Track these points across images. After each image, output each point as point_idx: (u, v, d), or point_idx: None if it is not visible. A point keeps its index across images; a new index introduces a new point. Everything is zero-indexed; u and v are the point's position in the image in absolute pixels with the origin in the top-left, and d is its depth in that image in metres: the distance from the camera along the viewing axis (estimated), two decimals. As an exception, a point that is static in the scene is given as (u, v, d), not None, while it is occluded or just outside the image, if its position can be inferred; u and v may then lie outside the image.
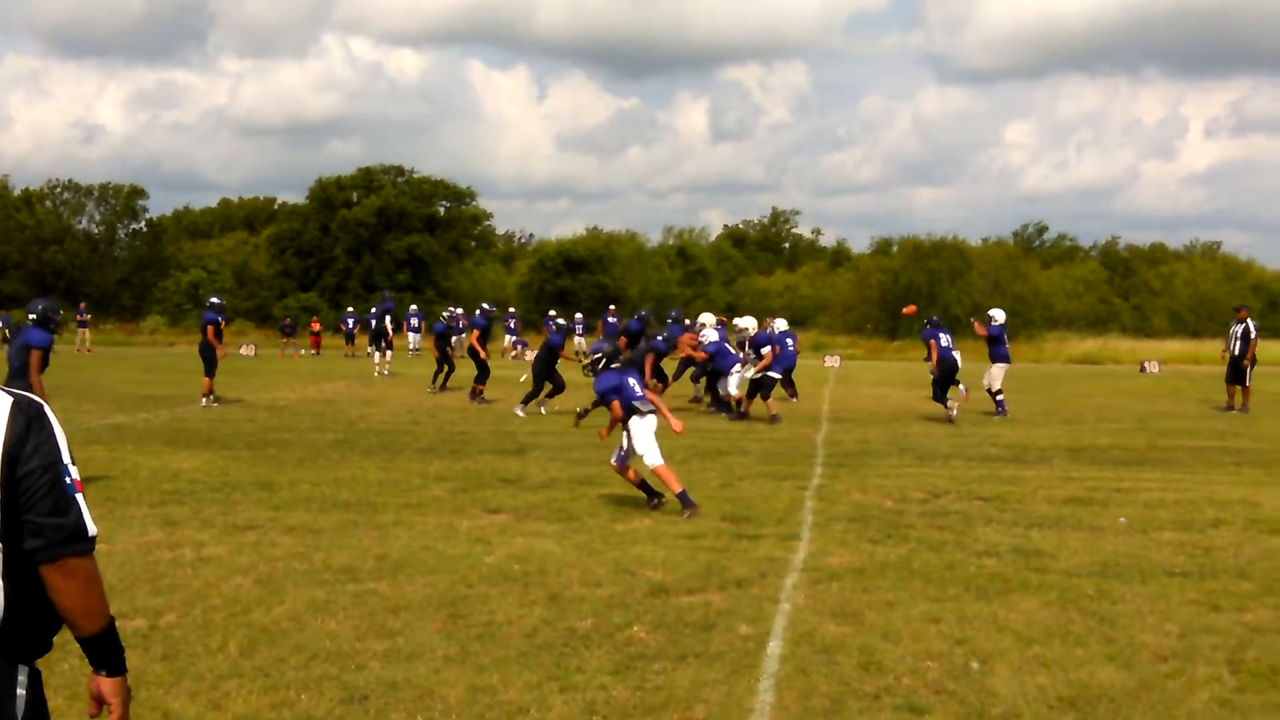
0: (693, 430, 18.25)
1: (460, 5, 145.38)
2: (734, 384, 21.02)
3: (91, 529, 3.05)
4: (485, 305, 28.17)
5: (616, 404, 11.44)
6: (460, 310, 34.33)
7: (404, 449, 15.54)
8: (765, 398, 20.47)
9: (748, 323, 21.63)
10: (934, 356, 20.84)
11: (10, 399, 3.04)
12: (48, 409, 3.08)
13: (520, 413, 20.49)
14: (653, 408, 11.46)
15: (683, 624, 7.10)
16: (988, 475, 13.66)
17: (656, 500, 11.34)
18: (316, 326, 52.64)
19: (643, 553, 9.05)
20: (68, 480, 3.01)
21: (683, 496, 11.00)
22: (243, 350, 48.18)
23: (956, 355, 21.05)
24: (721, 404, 21.62)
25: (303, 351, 49.52)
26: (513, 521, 10.45)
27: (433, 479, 12.82)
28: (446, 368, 26.18)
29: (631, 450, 11.40)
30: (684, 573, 8.39)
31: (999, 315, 22.93)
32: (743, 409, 20.63)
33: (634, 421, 11.38)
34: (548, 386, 21.34)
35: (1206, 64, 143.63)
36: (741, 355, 21.83)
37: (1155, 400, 26.58)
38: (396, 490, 12.06)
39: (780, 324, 23.40)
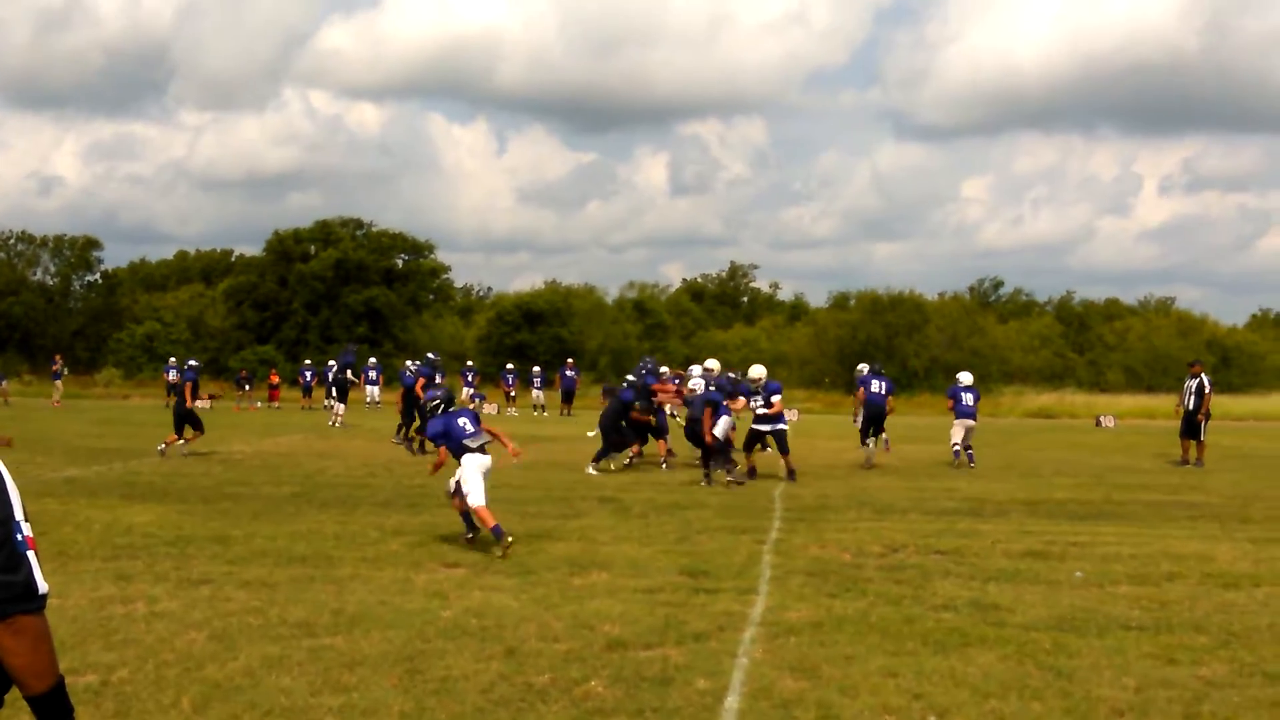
0: (650, 483, 18.28)
1: (421, 59, 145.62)
2: (722, 428, 20.47)
3: (42, 587, 3.03)
4: (430, 355, 28.30)
5: (444, 450, 12.75)
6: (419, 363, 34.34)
7: (361, 502, 15.47)
8: (763, 449, 20.56)
9: (759, 372, 21.57)
10: (859, 400, 22.26)
11: None
12: (1, 465, 3.04)
13: (592, 471, 20.36)
14: (483, 442, 12.56)
15: (640, 679, 7.07)
16: (945, 529, 13.70)
17: (472, 535, 12.29)
18: (275, 379, 52.51)
19: (600, 607, 9.02)
20: (19, 537, 3.00)
21: (496, 529, 11.64)
22: (199, 403, 47.91)
23: (884, 403, 22.21)
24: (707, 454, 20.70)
25: (259, 404, 49.32)
26: (470, 575, 10.40)
27: (390, 533, 12.76)
28: (414, 420, 25.99)
29: (459, 487, 12.38)
30: (642, 627, 8.36)
31: (963, 377, 23.71)
32: (749, 465, 20.38)
33: (465, 459, 12.43)
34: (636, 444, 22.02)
35: (1160, 122, 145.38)
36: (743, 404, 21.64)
37: (1111, 454, 26.75)
38: (353, 544, 11.99)
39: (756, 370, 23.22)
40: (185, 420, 22.59)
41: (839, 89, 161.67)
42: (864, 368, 24.36)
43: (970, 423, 22.96)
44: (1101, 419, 43.14)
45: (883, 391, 22.40)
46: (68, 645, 7.59)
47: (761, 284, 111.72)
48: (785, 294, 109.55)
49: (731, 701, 6.64)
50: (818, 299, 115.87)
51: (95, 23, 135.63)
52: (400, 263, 78.72)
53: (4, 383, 46.47)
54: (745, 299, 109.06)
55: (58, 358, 51.56)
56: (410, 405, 25.77)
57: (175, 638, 7.93)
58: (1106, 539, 13.17)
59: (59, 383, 49.02)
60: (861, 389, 22.54)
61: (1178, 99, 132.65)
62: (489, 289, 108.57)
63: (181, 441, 22.36)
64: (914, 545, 12.40)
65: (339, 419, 34.29)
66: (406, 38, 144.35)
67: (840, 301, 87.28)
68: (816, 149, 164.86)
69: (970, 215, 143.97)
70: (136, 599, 9.12)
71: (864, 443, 22.04)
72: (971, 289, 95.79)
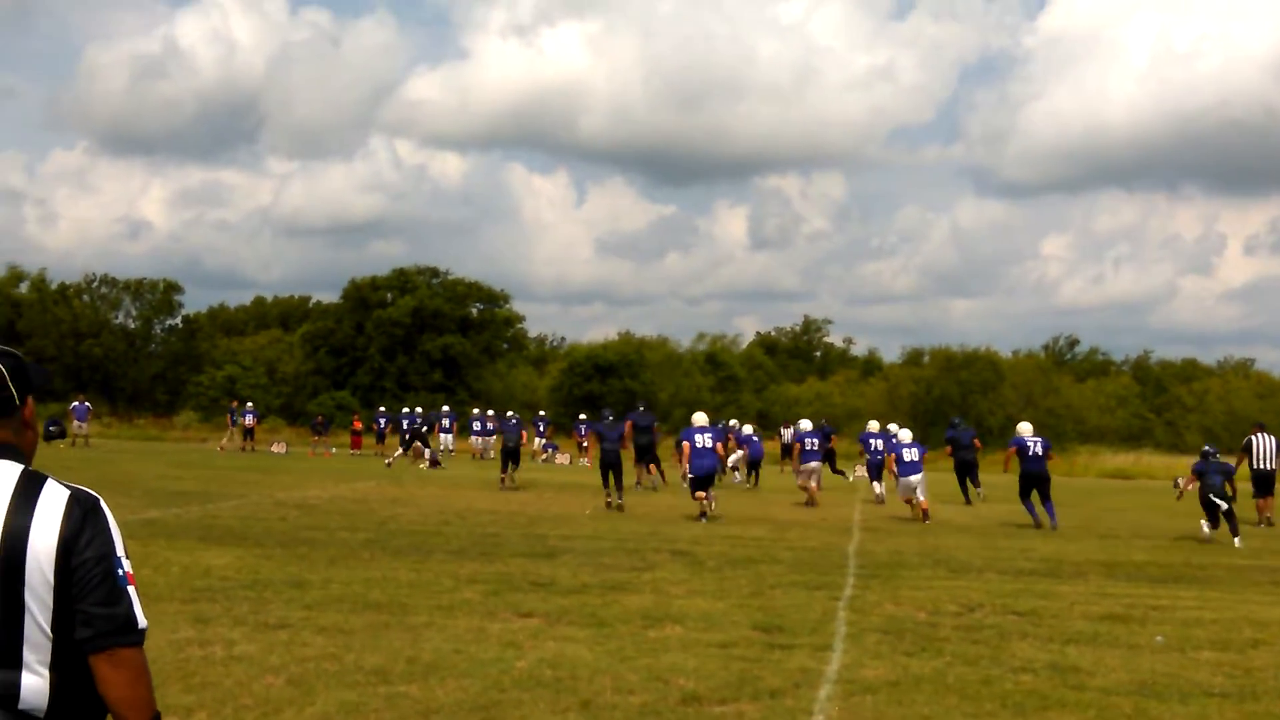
0: (723, 537, 18.21)
1: (504, 109, 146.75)
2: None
3: (142, 621, 3.11)
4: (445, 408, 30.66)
5: None
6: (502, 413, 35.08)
7: (435, 550, 15.52)
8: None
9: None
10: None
11: (68, 492, 3.10)
12: (103, 503, 3.13)
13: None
14: None
15: (716, 734, 7.04)
16: (1022, 589, 13.55)
17: None
18: (358, 425, 52.78)
19: (675, 660, 8.99)
20: (120, 572, 3.08)
21: None
22: (274, 448, 48.38)
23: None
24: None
25: (333, 450, 49.66)
26: (544, 626, 10.40)
27: (464, 581, 12.79)
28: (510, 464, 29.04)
29: None
30: (716, 682, 8.33)
31: (903, 434, 25.77)
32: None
33: None
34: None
35: (1246, 181, 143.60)
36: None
37: (1190, 517, 26.33)
38: (428, 591, 12.03)
39: (804, 424, 28.34)
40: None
41: (921, 145, 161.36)
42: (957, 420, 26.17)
43: (916, 477, 23.40)
44: (1180, 481, 42.52)
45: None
46: (148, 686, 7.66)
47: (835, 339, 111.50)
48: (859, 349, 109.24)
49: (808, 760, 6.59)
50: (891, 354, 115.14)
51: (192, 72, 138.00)
52: (476, 311, 79.22)
53: (85, 425, 47.05)
54: (818, 353, 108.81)
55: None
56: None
57: (253, 681, 7.98)
58: (1187, 603, 12.98)
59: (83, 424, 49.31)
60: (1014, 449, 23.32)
61: (1265, 158, 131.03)
62: (563, 339, 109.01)
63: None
64: (991, 605, 12.28)
65: (394, 459, 35.54)
66: (491, 88, 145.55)
67: (914, 358, 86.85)
68: (896, 204, 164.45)
69: (1050, 273, 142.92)
70: (215, 642, 9.20)
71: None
72: (1046, 347, 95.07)
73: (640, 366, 74.54)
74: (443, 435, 45.70)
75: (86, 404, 47.92)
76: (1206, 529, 20.54)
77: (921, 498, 23.11)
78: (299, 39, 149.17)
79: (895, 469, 23.83)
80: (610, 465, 24.22)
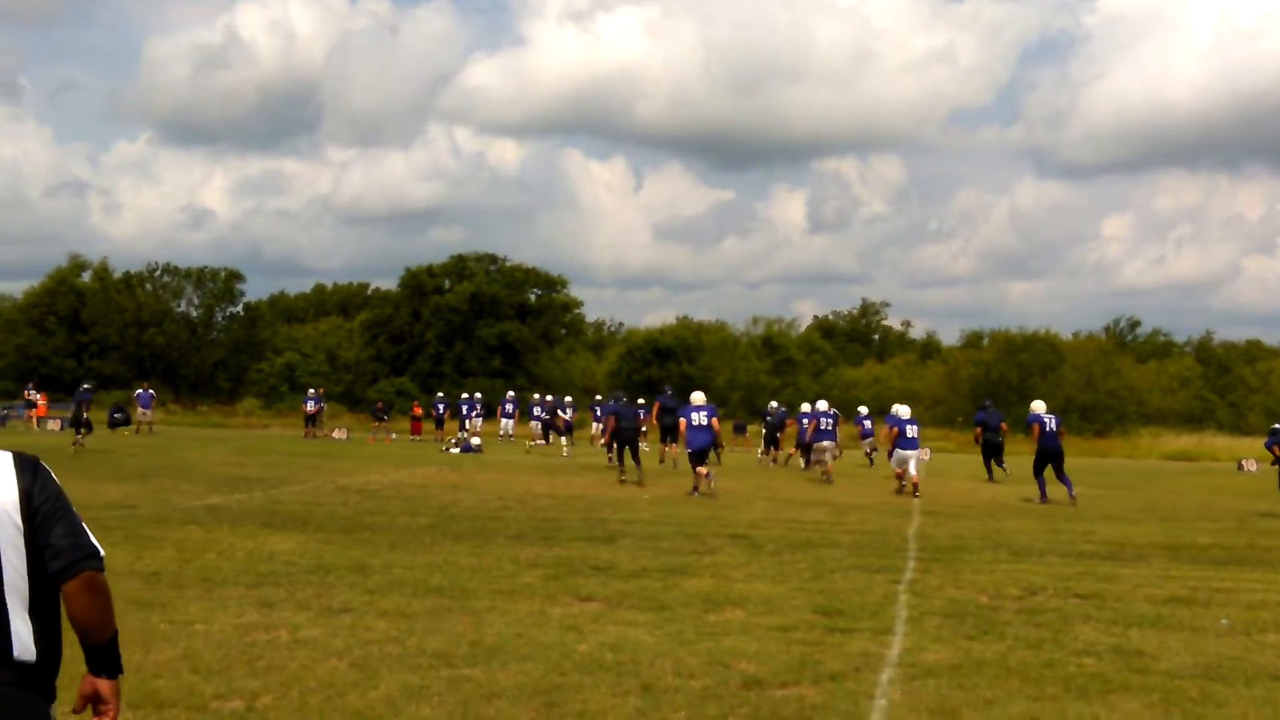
0: (783, 521, 18.19)
1: (562, 95, 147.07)
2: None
3: (100, 549, 3.52)
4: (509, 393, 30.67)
5: None
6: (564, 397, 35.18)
7: (495, 535, 15.59)
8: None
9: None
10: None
11: (9, 453, 3.50)
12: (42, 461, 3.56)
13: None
14: None
15: (777, 718, 7.04)
16: (1084, 572, 13.46)
17: None
18: (418, 411, 53.03)
19: (735, 644, 9.00)
20: (73, 509, 3.52)
21: None
22: (335, 434, 48.71)
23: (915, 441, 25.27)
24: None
25: (394, 435, 49.95)
26: (605, 610, 10.43)
27: (524, 565, 12.84)
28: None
29: None
30: (777, 665, 8.33)
31: (902, 410, 26.13)
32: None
33: None
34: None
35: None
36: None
37: (1254, 499, 26.09)
38: (489, 576, 12.09)
39: (821, 405, 30.68)
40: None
41: (980, 126, 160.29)
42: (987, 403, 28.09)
43: (913, 453, 24.86)
44: (1244, 462, 42.05)
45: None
46: (214, 670, 7.76)
47: (893, 322, 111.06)
48: (917, 332, 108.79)
49: (870, 743, 6.59)
50: (950, 338, 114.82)
51: (252, 62, 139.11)
52: (533, 297, 79.45)
53: (149, 412, 47.54)
54: (876, 337, 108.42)
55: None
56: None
57: (317, 665, 8.06)
58: (1252, 585, 12.86)
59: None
60: (895, 429, 25.23)
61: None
62: (620, 324, 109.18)
63: None
64: (1053, 588, 12.21)
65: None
66: (549, 75, 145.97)
67: (973, 340, 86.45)
68: (955, 187, 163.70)
69: (1110, 254, 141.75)
70: (279, 626, 9.29)
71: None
72: (1107, 329, 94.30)
73: (698, 351, 74.49)
74: (504, 420, 45.95)
75: (151, 391, 48.48)
76: None
77: (914, 472, 24.40)
78: (358, 27, 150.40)
79: (895, 443, 25.22)
80: (627, 443, 26.41)
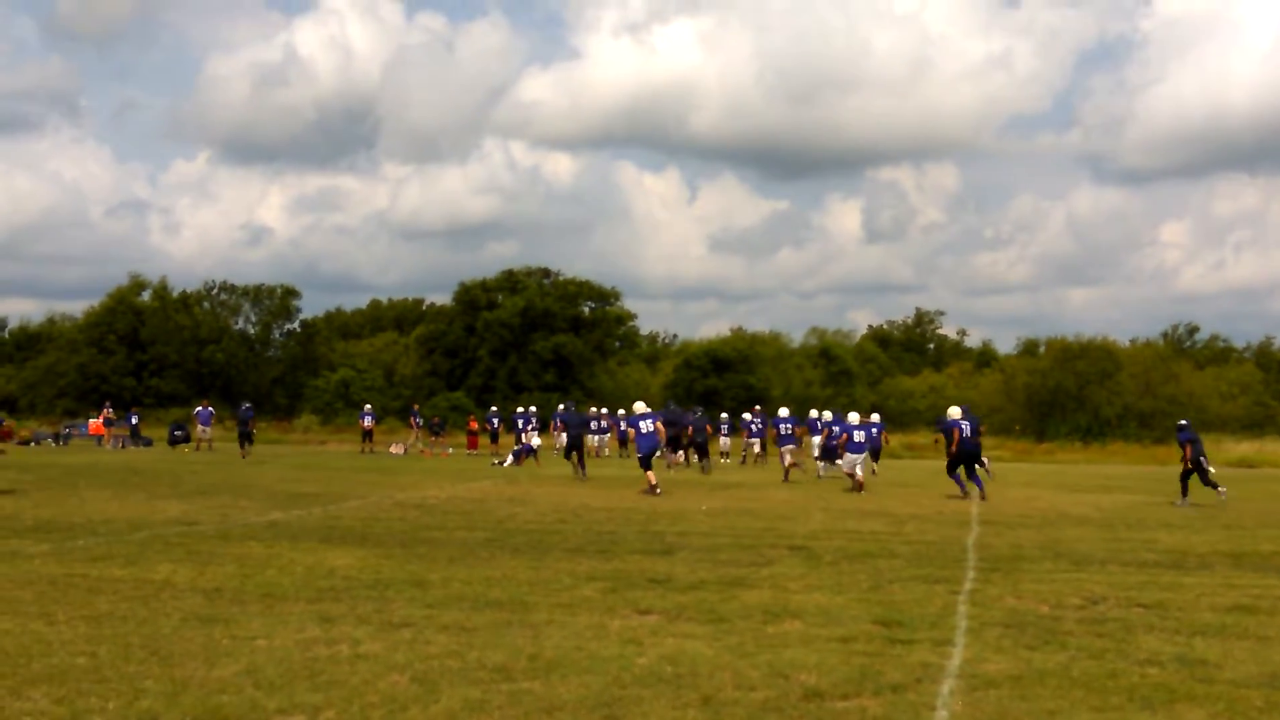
0: (841, 532, 18.13)
1: (616, 108, 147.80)
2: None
3: None
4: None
5: None
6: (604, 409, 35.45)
7: (553, 548, 15.62)
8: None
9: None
10: (954, 443, 26.14)
11: None
12: None
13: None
14: None
15: (839, 729, 7.01)
16: (1147, 581, 13.34)
17: None
18: (474, 426, 53.21)
19: (795, 656, 8.97)
20: None
21: None
22: (392, 449, 48.93)
23: (978, 443, 26.48)
24: None
25: (450, 450, 50.13)
26: (664, 622, 10.43)
27: (583, 578, 12.86)
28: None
29: None
30: (838, 677, 8.30)
31: (851, 416, 29.81)
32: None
33: None
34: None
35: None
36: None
37: (1318, 505, 25.78)
38: (547, 589, 12.11)
39: (853, 417, 31.08)
40: None
41: (1036, 133, 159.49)
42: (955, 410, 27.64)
43: (859, 456, 28.06)
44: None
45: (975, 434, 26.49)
46: (276, 685, 7.80)
47: (948, 331, 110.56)
48: (973, 341, 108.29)
49: (933, 754, 6.55)
50: (1006, 346, 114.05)
51: (310, 79, 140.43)
52: (587, 310, 79.58)
53: (209, 429, 47.93)
54: (931, 346, 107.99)
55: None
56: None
57: (379, 679, 8.09)
58: (1318, 593, 12.70)
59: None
60: (956, 430, 26.17)
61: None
62: (674, 336, 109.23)
63: None
64: (1115, 597, 12.11)
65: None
66: (603, 87, 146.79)
67: (1030, 348, 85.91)
68: (1011, 194, 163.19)
69: (1169, 259, 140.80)
70: (340, 641, 9.34)
71: (957, 480, 26.24)
72: (1165, 335, 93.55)
73: (756, 362, 74.39)
74: (559, 435, 46.00)
75: (210, 409, 48.91)
76: None
77: (860, 473, 27.75)
78: (414, 43, 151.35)
79: (846, 447, 28.22)
80: (574, 447, 31.41)
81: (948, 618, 10.81)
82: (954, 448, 26.28)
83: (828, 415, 36.64)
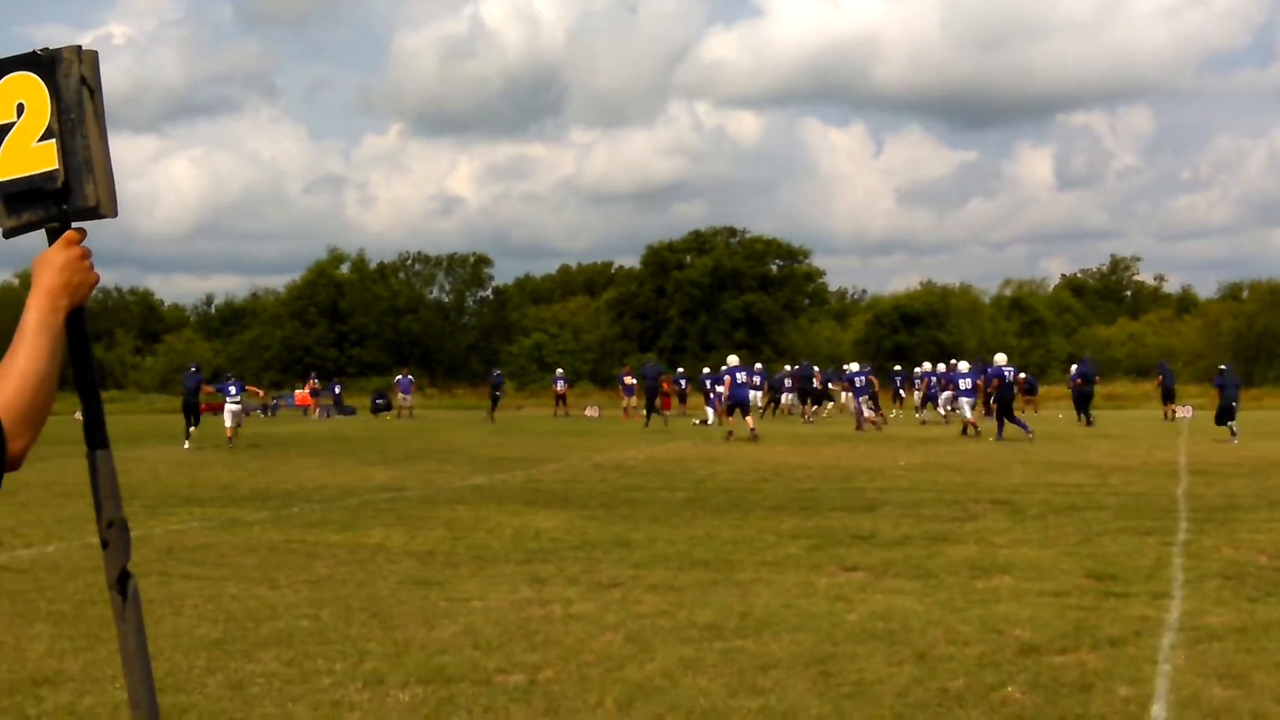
0: (1044, 485, 17.85)
1: (799, 64, 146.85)
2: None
3: None
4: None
5: None
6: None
7: (754, 506, 15.66)
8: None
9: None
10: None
11: None
12: None
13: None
14: None
15: (1059, 684, 6.93)
16: (1371, 529, 12.89)
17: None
18: (666, 386, 53.51)
19: (1007, 610, 8.88)
20: None
21: None
22: (587, 412, 49.47)
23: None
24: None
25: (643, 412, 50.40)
26: (870, 579, 10.40)
27: (786, 536, 12.88)
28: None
29: None
30: (1053, 631, 8.19)
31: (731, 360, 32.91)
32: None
33: None
34: None
35: None
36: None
37: None
38: (751, 548, 12.16)
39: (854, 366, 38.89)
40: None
41: (1235, 70, 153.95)
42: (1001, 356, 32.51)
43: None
44: None
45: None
46: (494, 645, 7.97)
47: (1145, 277, 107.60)
48: (1171, 286, 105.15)
49: (1158, 710, 6.42)
50: (1206, 291, 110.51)
51: (498, 50, 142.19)
52: (775, 268, 79.35)
53: (409, 397, 49.02)
54: (1128, 293, 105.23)
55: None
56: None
57: (593, 639, 8.22)
58: None
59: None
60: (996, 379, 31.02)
61: None
62: (863, 291, 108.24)
63: None
64: (1338, 547, 11.73)
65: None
66: (786, 44, 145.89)
67: (1233, 292, 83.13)
68: (1209, 134, 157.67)
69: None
70: (553, 601, 9.50)
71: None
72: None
73: (945, 315, 73.44)
74: (752, 393, 46.10)
75: (409, 377, 50.05)
76: None
77: (747, 417, 31.35)
78: (598, 8, 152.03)
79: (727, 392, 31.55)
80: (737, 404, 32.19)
81: (1163, 570, 10.58)
82: (992, 392, 31.50)
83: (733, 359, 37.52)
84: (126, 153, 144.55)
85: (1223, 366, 31.16)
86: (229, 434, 30.33)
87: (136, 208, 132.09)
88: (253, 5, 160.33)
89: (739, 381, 31.40)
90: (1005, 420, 29.78)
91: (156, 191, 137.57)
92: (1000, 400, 30.49)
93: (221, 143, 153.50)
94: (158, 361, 78.62)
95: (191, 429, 30.27)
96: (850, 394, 38.82)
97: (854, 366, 40.88)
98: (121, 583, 2.57)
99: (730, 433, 31.00)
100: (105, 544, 2.56)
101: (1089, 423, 37.04)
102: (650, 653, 7.80)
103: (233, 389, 31.68)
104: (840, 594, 9.66)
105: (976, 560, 11.21)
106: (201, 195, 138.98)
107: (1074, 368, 42.18)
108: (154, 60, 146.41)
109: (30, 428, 2.30)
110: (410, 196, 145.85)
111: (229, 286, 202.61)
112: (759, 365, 49.90)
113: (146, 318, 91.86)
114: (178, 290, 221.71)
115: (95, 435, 2.56)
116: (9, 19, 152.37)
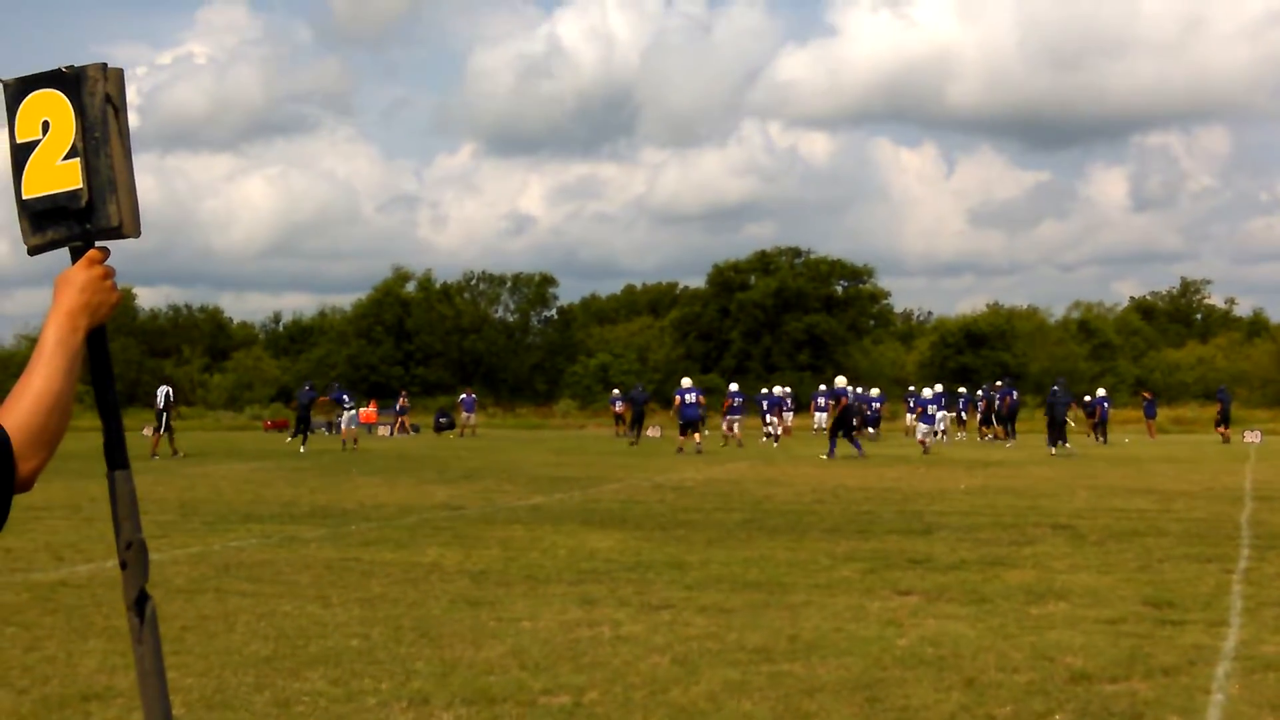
0: (1107, 510, 17.66)
1: (873, 84, 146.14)
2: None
3: None
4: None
5: None
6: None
7: (810, 528, 15.59)
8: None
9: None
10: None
11: None
12: None
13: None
14: None
15: (1108, 714, 6.84)
16: None
17: None
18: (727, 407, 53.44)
19: (1060, 637, 8.78)
20: None
21: None
22: (650, 432, 49.43)
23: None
24: None
25: (706, 433, 50.35)
26: (924, 603, 10.32)
27: (841, 559, 12.81)
28: None
29: None
30: (1106, 659, 8.09)
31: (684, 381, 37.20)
32: None
33: None
34: None
35: None
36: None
37: None
38: (805, 570, 12.10)
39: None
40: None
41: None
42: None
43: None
44: None
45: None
46: (541, 666, 7.97)
47: (1216, 299, 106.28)
48: (1242, 309, 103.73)
49: (1208, 740, 6.34)
50: (1278, 314, 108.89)
51: (572, 69, 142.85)
52: (840, 289, 79.13)
53: (472, 416, 49.24)
54: (1198, 316, 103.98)
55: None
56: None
57: (640, 661, 8.20)
58: None
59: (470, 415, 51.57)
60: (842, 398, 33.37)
61: None
62: (929, 313, 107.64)
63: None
64: (1403, 576, 11.52)
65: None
66: (859, 63, 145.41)
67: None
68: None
69: None
70: (602, 622, 9.49)
71: None
72: None
73: (1013, 337, 72.99)
74: (817, 414, 46.18)
75: (473, 396, 50.34)
76: None
77: (739, 431, 38.33)
78: (673, 26, 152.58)
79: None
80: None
81: (1221, 597, 10.43)
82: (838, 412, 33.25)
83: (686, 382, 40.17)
84: (204, 171, 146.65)
85: None
86: (344, 436, 32.69)
87: (213, 225, 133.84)
88: (332, 25, 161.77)
89: (688, 402, 36.00)
90: (839, 439, 32.32)
91: (232, 209, 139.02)
92: (841, 421, 32.70)
93: (298, 162, 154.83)
94: (225, 379, 79.33)
95: (307, 436, 32.77)
96: (918, 418, 39.36)
97: (927, 392, 41.66)
98: (139, 604, 2.58)
99: (680, 448, 35.39)
100: (124, 565, 2.58)
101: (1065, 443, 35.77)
102: (696, 675, 7.78)
103: (345, 397, 33.46)
104: (892, 618, 9.59)
105: (1032, 585, 11.09)
106: (276, 213, 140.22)
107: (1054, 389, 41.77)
108: (233, 79, 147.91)
109: (43, 449, 2.28)
110: (482, 215, 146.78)
111: (300, 304, 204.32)
112: (822, 387, 50.52)
113: (215, 335, 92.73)
114: (249, 308, 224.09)
115: (115, 455, 2.58)
116: (89, 38, 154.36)
